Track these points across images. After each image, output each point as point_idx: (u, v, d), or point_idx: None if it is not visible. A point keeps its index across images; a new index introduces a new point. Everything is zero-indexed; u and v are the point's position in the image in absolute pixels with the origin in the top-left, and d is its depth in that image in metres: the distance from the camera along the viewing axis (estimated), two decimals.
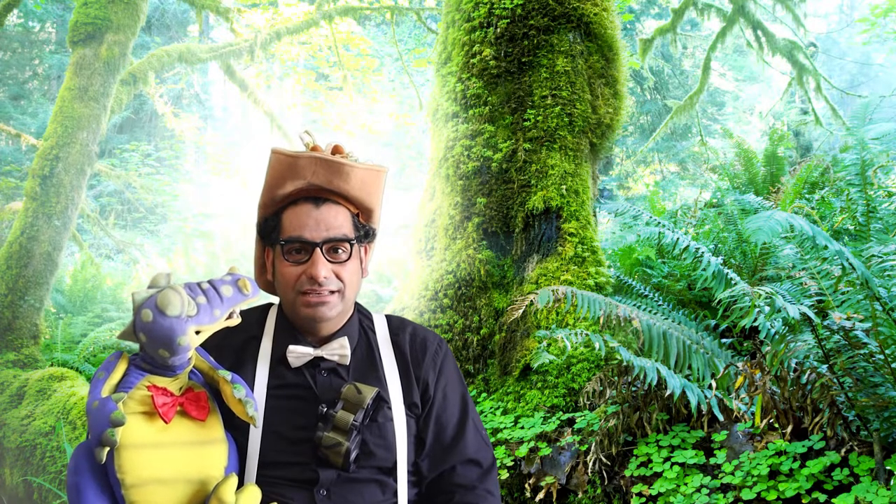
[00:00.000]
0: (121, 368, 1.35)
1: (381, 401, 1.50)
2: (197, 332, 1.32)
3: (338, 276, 1.49)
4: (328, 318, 1.50)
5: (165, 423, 1.33)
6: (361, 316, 1.63)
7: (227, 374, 1.41)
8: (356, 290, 1.57)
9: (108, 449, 1.24)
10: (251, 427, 1.44)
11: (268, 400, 1.48)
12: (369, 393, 1.44)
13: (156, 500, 1.29)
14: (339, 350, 1.51)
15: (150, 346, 1.31)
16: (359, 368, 1.55)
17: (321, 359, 1.52)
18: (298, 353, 1.50)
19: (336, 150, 1.51)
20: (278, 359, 1.53)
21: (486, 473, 1.57)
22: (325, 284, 1.46)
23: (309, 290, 1.47)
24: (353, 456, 1.41)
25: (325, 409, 1.43)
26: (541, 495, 2.60)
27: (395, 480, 1.49)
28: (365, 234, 1.57)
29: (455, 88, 3.89)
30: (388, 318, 1.66)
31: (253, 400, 1.38)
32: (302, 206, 1.49)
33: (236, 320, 1.41)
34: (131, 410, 1.30)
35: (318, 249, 1.46)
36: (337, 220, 1.49)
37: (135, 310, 1.31)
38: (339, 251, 1.49)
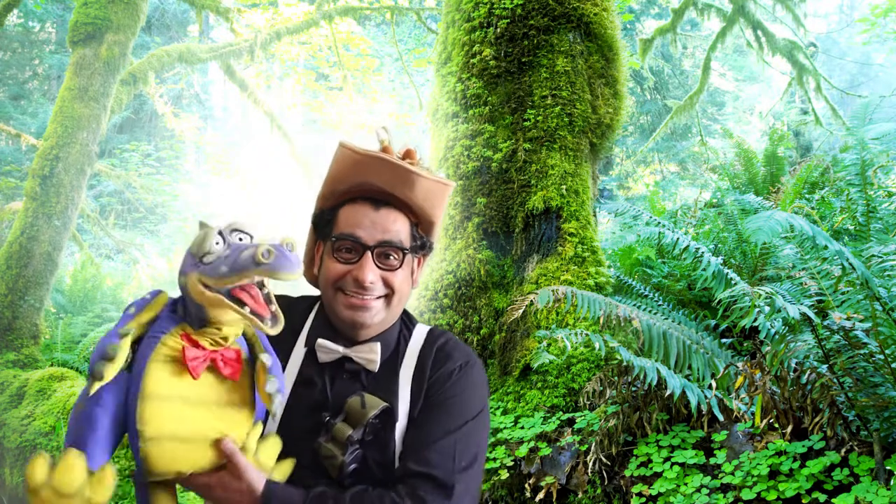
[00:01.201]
0: (154, 308, 1.28)
1: (390, 416, 1.40)
2: (205, 286, 1.21)
3: (386, 282, 1.42)
4: (368, 325, 1.43)
5: (194, 378, 1.26)
6: (404, 325, 1.54)
7: (268, 360, 1.32)
8: (405, 300, 1.48)
9: (98, 384, 1.17)
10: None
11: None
12: (374, 408, 1.36)
13: (172, 457, 1.23)
14: (368, 354, 1.44)
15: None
16: (378, 379, 1.47)
17: (348, 360, 1.44)
18: (327, 349, 1.44)
19: (408, 154, 1.44)
20: (309, 353, 1.47)
21: (437, 489, 1.32)
22: (371, 289, 1.40)
23: (353, 291, 1.40)
24: (348, 469, 1.35)
25: (327, 418, 1.37)
26: (541, 495, 2.60)
27: None
28: (421, 245, 1.48)
29: (455, 88, 3.89)
30: (431, 331, 1.55)
31: (282, 396, 1.31)
32: (360, 205, 1.43)
33: (270, 329, 1.25)
34: (161, 358, 1.24)
35: (368, 252, 1.40)
36: (395, 226, 1.42)
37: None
38: (391, 257, 1.42)
